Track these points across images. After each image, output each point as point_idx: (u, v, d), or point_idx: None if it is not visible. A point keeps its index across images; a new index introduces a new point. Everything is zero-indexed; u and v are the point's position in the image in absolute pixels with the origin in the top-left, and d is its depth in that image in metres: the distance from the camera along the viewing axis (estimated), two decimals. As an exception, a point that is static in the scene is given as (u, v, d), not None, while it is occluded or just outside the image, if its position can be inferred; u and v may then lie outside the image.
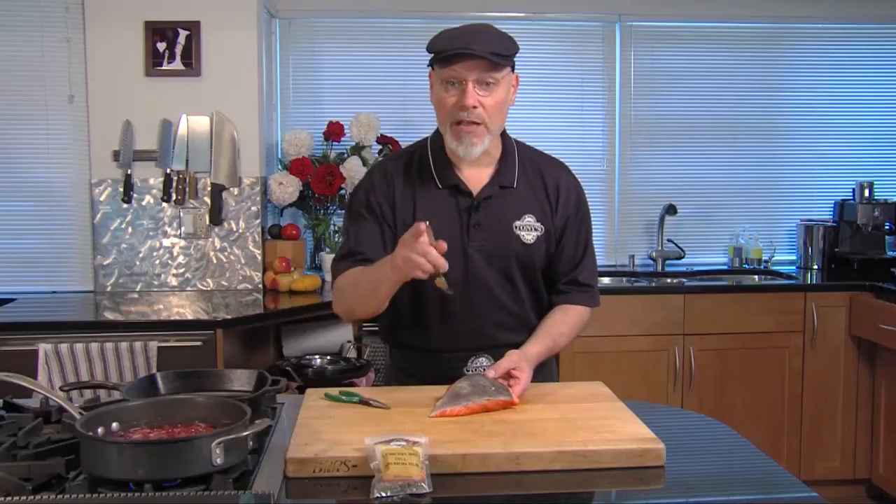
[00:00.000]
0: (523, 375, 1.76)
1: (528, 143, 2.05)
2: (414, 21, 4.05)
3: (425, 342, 1.96)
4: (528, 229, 1.93)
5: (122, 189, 3.55)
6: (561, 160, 2.06)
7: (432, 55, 1.83)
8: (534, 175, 1.97)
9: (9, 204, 3.67)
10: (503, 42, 1.83)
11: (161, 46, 3.53)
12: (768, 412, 3.72)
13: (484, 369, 1.87)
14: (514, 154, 1.96)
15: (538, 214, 1.94)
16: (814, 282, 3.95)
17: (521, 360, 1.80)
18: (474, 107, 1.81)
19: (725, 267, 4.24)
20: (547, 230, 1.94)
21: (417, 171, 1.95)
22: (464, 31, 1.82)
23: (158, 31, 3.53)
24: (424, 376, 1.94)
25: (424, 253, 1.64)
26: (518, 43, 1.87)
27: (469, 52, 1.77)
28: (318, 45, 4.06)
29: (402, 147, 3.74)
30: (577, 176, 2.05)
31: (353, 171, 3.71)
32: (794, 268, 4.20)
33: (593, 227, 2.07)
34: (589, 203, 2.06)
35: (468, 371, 1.92)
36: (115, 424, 1.44)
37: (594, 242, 2.07)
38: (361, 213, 1.94)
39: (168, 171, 3.56)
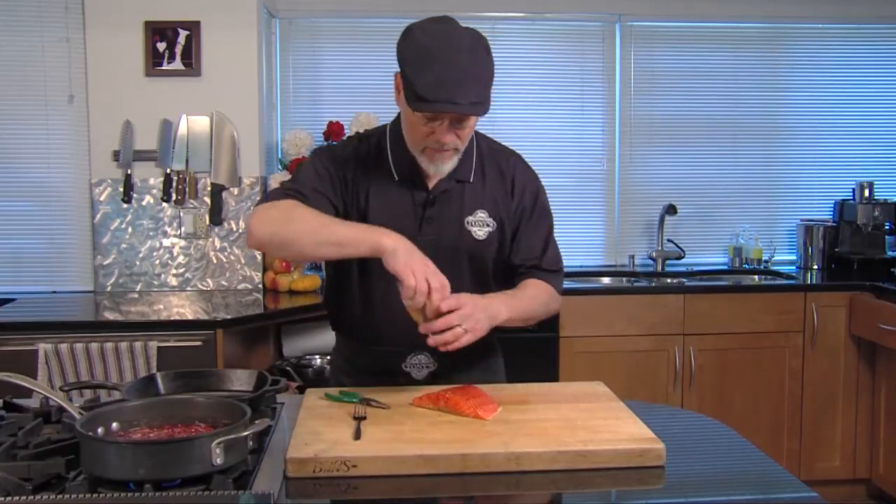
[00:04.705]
0: (461, 304, 1.67)
1: (485, 133, 2.01)
2: (413, 21, 4.04)
3: (367, 333, 1.94)
4: (480, 225, 1.91)
5: (122, 189, 3.55)
6: (517, 152, 2.02)
7: (408, 83, 1.71)
8: (491, 168, 1.94)
9: (9, 204, 3.67)
10: (485, 84, 1.73)
11: (161, 46, 3.53)
12: (768, 412, 3.72)
13: (424, 367, 1.90)
14: (472, 147, 1.93)
15: (490, 209, 1.91)
16: (814, 282, 3.95)
17: (464, 294, 1.72)
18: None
19: (725, 267, 4.24)
20: (500, 225, 1.92)
21: (375, 160, 1.90)
22: (447, 77, 1.67)
23: (158, 31, 3.53)
24: (364, 365, 1.94)
25: (430, 281, 1.61)
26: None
27: (452, 107, 1.69)
28: (318, 45, 4.06)
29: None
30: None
31: (353, 171, 3.71)
32: (794, 268, 4.20)
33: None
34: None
35: (406, 367, 1.91)
36: (115, 424, 1.44)
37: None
38: (319, 172, 1.85)
39: (168, 171, 3.56)
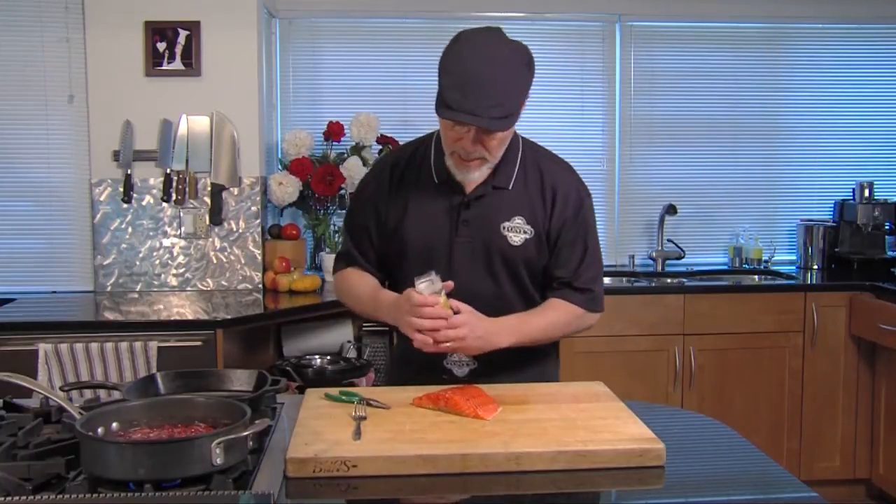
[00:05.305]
0: (460, 324, 1.78)
1: (537, 143, 2.03)
2: (414, 21, 4.05)
3: None
4: (517, 231, 1.92)
5: (122, 189, 3.55)
6: (568, 162, 2.04)
7: (439, 87, 1.75)
8: (534, 177, 1.95)
9: (9, 204, 3.67)
10: (514, 98, 1.75)
11: (161, 46, 3.53)
12: (768, 412, 3.72)
13: (465, 364, 1.93)
14: (516, 155, 1.95)
15: (529, 217, 1.93)
16: (814, 282, 3.95)
17: (472, 313, 1.81)
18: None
19: (725, 267, 4.24)
20: (538, 233, 1.93)
21: (418, 164, 1.96)
22: (472, 88, 1.70)
23: (158, 31, 3.53)
24: (416, 361, 1.95)
25: (433, 329, 1.76)
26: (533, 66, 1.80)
27: (471, 119, 1.71)
28: (318, 45, 4.06)
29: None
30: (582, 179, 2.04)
31: (353, 171, 3.71)
32: (794, 268, 4.20)
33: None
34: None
35: (447, 364, 1.95)
36: (115, 424, 1.44)
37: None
38: (363, 216, 2.01)
39: (168, 171, 3.55)
